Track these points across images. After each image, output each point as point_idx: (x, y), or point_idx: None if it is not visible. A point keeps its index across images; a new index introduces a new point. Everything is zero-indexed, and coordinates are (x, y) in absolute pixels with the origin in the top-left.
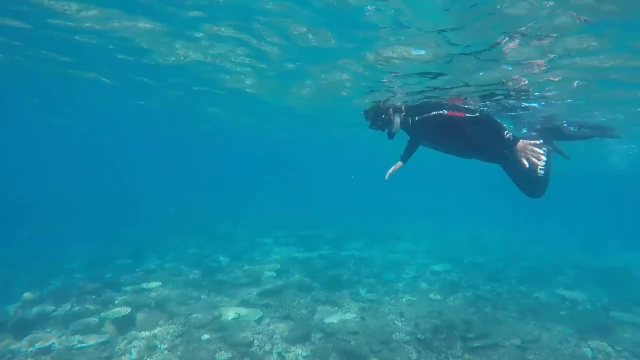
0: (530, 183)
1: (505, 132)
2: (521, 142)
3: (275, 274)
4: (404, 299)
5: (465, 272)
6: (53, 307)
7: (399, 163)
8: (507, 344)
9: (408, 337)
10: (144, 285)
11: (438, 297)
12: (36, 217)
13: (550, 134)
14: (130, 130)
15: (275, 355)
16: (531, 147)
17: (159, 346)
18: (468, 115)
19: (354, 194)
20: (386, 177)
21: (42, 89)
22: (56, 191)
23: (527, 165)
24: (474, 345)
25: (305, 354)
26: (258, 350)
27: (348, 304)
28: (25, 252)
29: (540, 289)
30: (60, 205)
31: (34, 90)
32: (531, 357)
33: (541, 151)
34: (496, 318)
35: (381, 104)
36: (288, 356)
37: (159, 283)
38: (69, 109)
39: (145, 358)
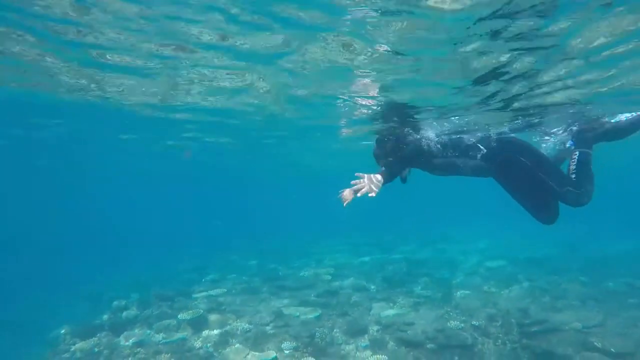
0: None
1: None
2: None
3: (330, 277)
4: (458, 293)
5: (521, 267)
6: (138, 312)
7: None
8: (567, 328)
9: (463, 325)
10: (211, 292)
11: (493, 289)
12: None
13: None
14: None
15: (336, 345)
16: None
17: (231, 340)
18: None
19: (403, 200)
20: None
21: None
22: (120, 218)
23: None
24: (532, 330)
25: (364, 345)
26: (320, 342)
27: (403, 300)
28: (101, 271)
29: (605, 279)
30: (125, 230)
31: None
32: (594, 340)
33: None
34: (555, 306)
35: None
36: (348, 347)
37: (224, 290)
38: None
39: (220, 350)
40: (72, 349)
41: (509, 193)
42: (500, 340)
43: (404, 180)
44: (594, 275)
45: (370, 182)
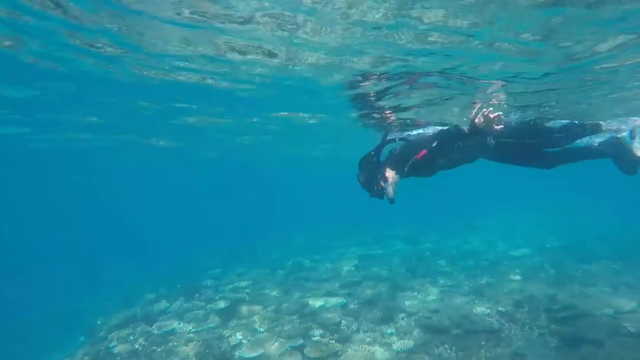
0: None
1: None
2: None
3: (354, 269)
4: (483, 281)
5: (547, 255)
6: (168, 304)
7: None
8: (598, 313)
9: (489, 311)
10: (237, 284)
11: (518, 277)
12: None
13: None
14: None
15: (362, 333)
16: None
17: (259, 329)
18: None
19: (424, 191)
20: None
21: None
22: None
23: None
24: (560, 315)
25: (390, 332)
26: (346, 329)
27: (427, 289)
28: (131, 269)
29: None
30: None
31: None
32: (628, 325)
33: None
34: (584, 293)
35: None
36: (374, 334)
37: (250, 282)
38: None
39: (248, 338)
40: (109, 337)
41: (513, 164)
42: (527, 326)
43: (391, 200)
44: (627, 262)
45: None
